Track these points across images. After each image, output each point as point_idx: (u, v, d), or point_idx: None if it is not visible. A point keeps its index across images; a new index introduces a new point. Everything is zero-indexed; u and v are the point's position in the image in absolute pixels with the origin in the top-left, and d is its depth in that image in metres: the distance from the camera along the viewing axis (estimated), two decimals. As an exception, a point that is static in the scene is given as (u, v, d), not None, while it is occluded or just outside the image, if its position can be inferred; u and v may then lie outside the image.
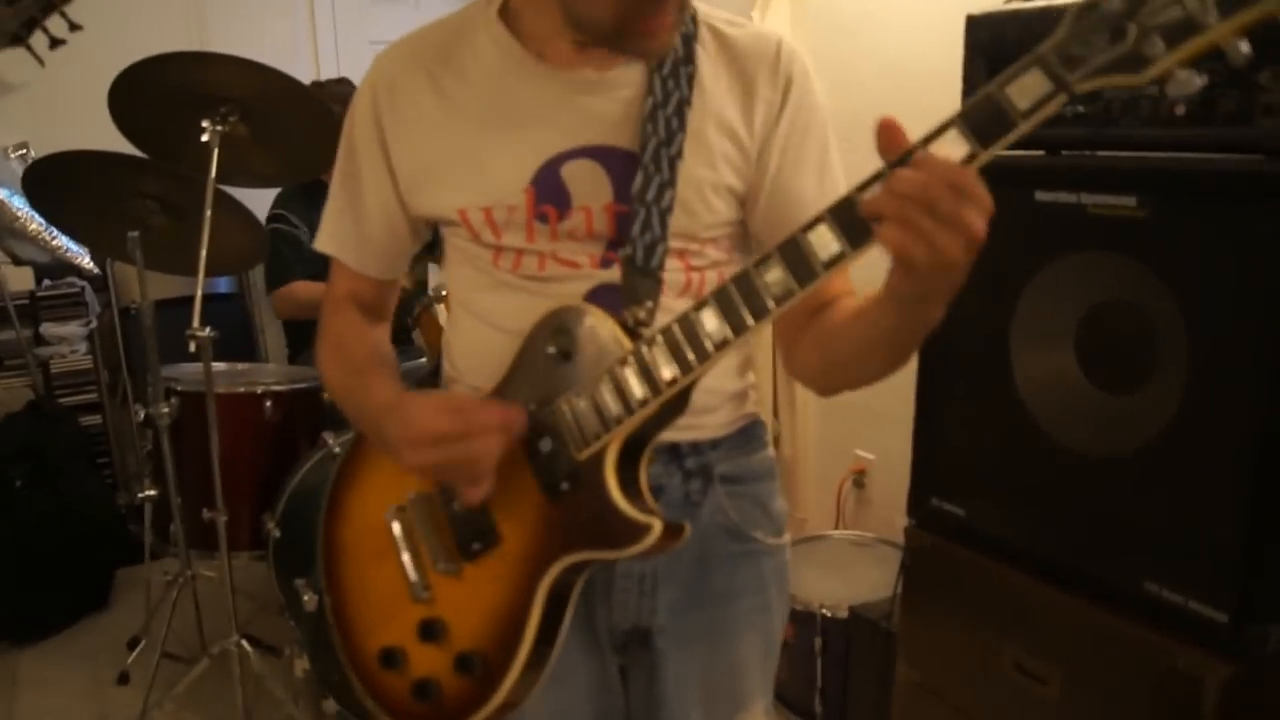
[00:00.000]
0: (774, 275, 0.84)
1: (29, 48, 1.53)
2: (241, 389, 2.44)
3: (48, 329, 3.26)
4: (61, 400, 3.28)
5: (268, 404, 2.45)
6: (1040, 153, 1.58)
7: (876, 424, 2.61)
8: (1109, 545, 1.48)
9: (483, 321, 1.12)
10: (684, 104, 1.02)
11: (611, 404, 0.94)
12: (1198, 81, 0.71)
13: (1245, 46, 0.69)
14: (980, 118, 0.76)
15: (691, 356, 0.89)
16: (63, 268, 3.33)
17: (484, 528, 1.04)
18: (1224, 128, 1.34)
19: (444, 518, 1.07)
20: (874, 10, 2.45)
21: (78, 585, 3.00)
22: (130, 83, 2.09)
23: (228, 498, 2.25)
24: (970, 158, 0.77)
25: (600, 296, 1.03)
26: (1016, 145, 1.59)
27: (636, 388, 0.92)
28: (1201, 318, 1.34)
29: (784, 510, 1.24)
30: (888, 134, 0.80)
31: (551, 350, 0.99)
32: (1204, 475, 1.35)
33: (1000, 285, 1.59)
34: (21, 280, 3.23)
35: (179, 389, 2.39)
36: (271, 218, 2.89)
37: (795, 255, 0.83)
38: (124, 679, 2.60)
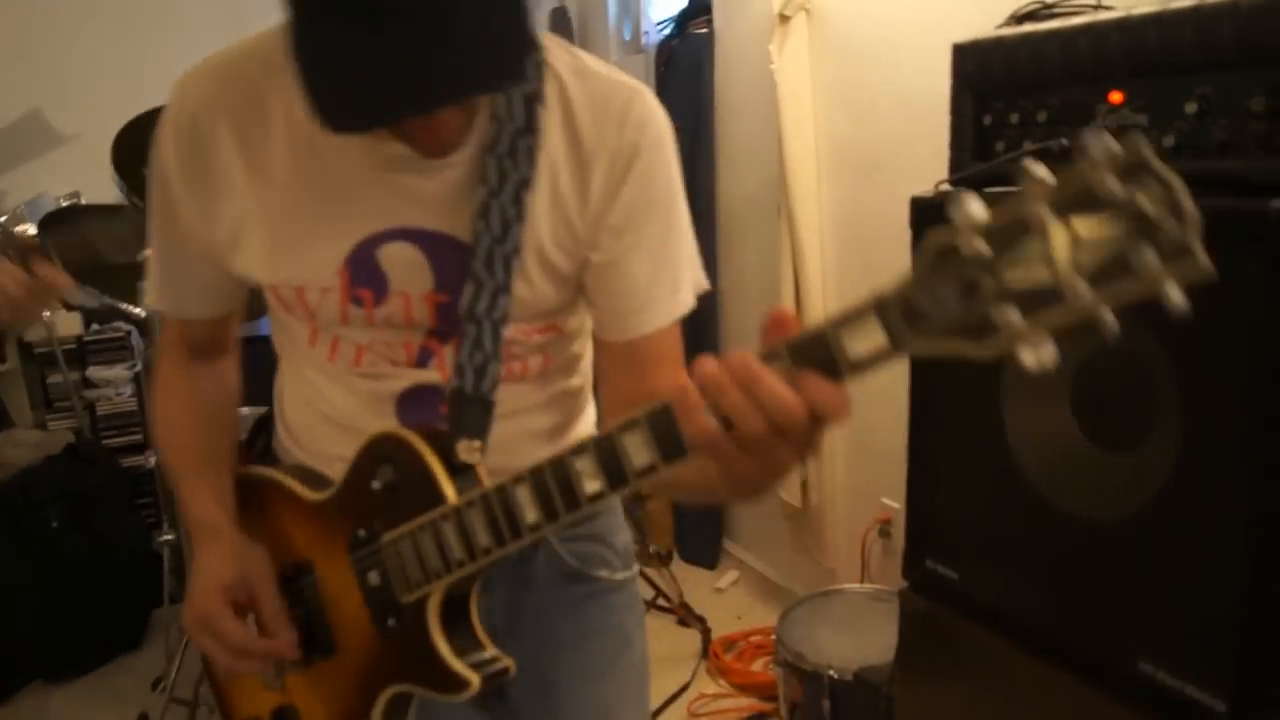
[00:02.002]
0: (589, 481, 0.78)
1: None
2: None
3: (94, 372, 3.36)
4: (107, 442, 3.37)
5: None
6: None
7: (904, 471, 2.50)
8: (1103, 618, 1.37)
9: (306, 402, 1.07)
10: (522, 187, 0.93)
11: (432, 557, 0.90)
12: (1049, 360, 0.58)
13: (1113, 322, 0.56)
14: (809, 356, 0.65)
15: (506, 533, 0.85)
16: (110, 312, 3.42)
17: (323, 640, 1.02)
18: (1215, 159, 1.22)
19: (294, 616, 1.04)
20: (890, 38, 2.36)
21: (111, 625, 3.05)
22: (133, 137, 2.13)
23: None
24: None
25: (418, 398, 1.00)
26: (1001, 180, 1.50)
27: (456, 548, 0.88)
28: (1193, 367, 1.23)
29: (629, 540, 1.20)
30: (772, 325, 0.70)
31: (377, 484, 0.95)
32: (1200, 544, 1.24)
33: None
34: (70, 325, 3.34)
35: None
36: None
37: (611, 464, 0.76)
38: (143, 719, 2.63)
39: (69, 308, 3.39)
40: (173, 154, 0.97)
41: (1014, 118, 1.48)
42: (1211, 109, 1.22)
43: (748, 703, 2.66)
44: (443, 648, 0.92)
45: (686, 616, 3.00)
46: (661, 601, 3.04)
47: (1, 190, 3.45)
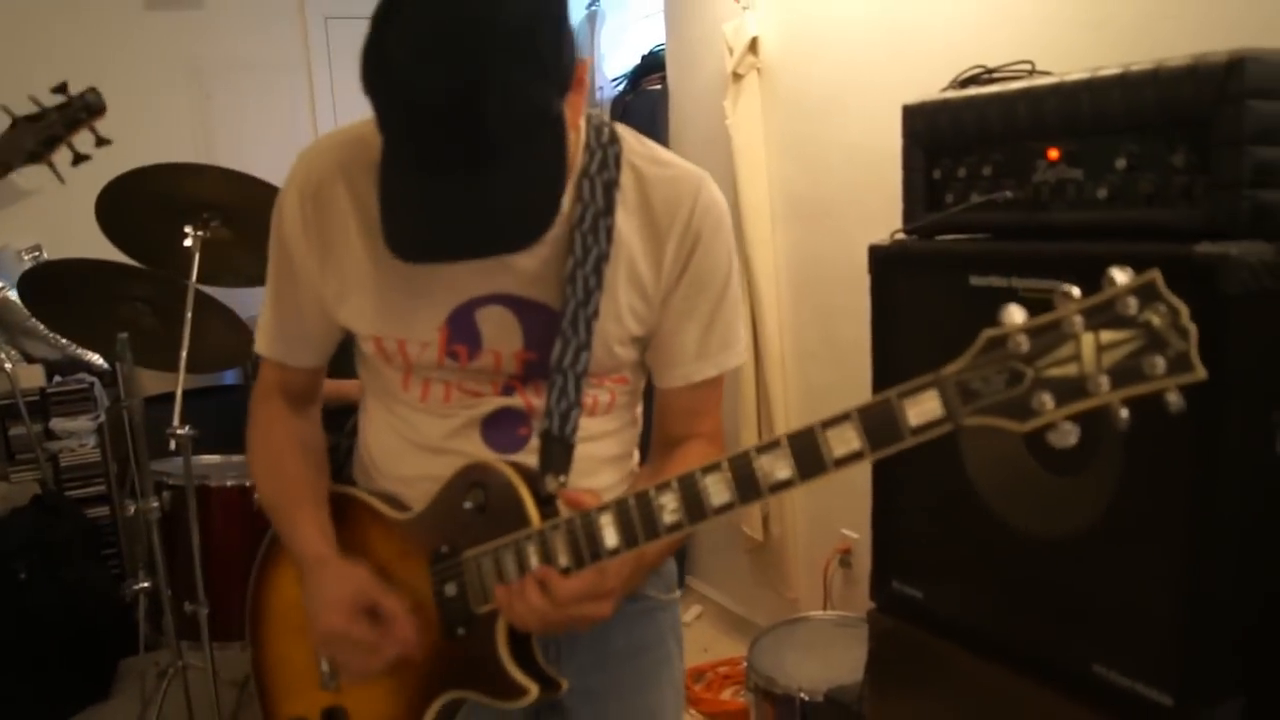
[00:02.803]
0: (670, 502, 0.90)
1: (50, 165, 1.59)
2: (230, 482, 2.49)
3: (58, 424, 3.36)
4: (70, 493, 3.36)
5: (257, 496, 2.49)
6: (978, 236, 1.61)
7: (861, 503, 2.62)
8: (1059, 628, 1.47)
9: (393, 430, 1.16)
10: (602, 260, 1.06)
11: (512, 572, 0.99)
12: (1073, 439, 0.74)
13: (1125, 414, 0.73)
14: (875, 421, 0.81)
15: (586, 555, 0.95)
16: (73, 364, 3.43)
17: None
18: (1143, 209, 1.36)
19: None
20: (838, 95, 2.52)
21: (80, 676, 3.03)
22: (115, 193, 2.19)
23: (219, 588, 2.29)
24: (855, 456, 0.82)
25: (500, 420, 1.10)
26: (952, 229, 1.64)
27: (536, 565, 0.98)
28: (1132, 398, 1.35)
29: (674, 568, 1.31)
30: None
31: (468, 505, 1.05)
32: (1143, 556, 1.35)
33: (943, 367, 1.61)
34: (32, 378, 3.35)
35: (170, 483, 2.44)
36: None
37: (691, 493, 0.89)
38: (117, 771, 2.62)
39: (31, 360, 3.40)
40: (297, 216, 1.10)
41: (961, 172, 1.61)
42: (1139, 164, 1.36)
43: (719, 731, 2.75)
44: (506, 657, 1.02)
45: (654, 650, 3.08)
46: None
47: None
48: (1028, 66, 1.70)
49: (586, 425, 1.13)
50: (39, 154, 1.55)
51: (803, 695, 2.17)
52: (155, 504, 2.38)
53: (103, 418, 3.42)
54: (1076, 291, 0.74)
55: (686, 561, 3.64)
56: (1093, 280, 1.32)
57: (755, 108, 2.75)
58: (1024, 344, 0.74)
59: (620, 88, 3.57)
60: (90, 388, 3.41)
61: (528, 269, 1.07)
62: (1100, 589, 1.41)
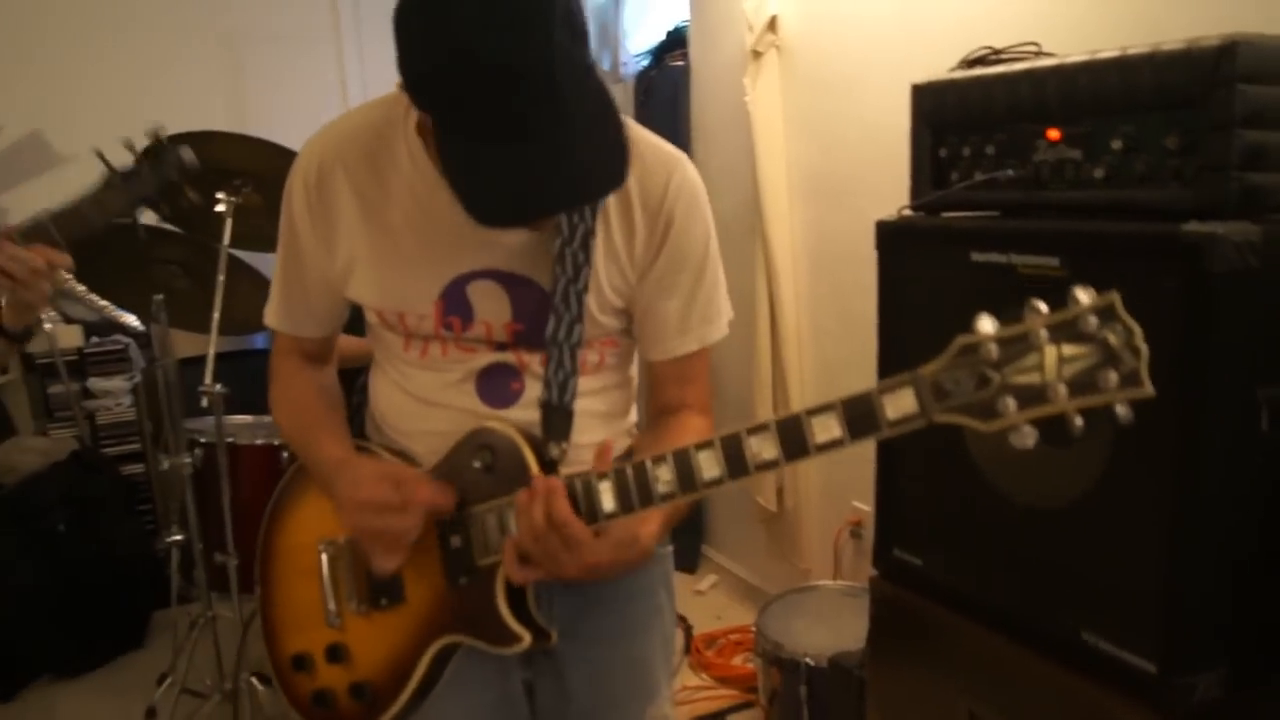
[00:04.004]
0: (664, 474, 0.97)
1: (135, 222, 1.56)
2: (259, 441, 2.58)
3: (95, 383, 3.47)
4: (106, 450, 3.48)
5: (284, 454, 2.58)
6: (980, 213, 1.65)
7: (873, 475, 2.67)
8: (1051, 596, 1.51)
9: (396, 385, 1.23)
10: (589, 236, 1.12)
11: (514, 527, 1.06)
12: (1031, 441, 0.82)
13: (1080, 422, 0.80)
14: (855, 412, 0.88)
15: (585, 517, 1.01)
16: (110, 326, 3.52)
17: (395, 588, 1.18)
18: (1137, 189, 1.40)
19: (365, 567, 1.19)
20: (856, 73, 2.54)
21: (115, 625, 3.16)
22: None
23: (248, 541, 2.37)
24: (836, 443, 0.89)
25: (493, 373, 1.17)
26: (958, 207, 1.67)
27: None
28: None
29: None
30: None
31: (476, 464, 1.12)
32: (1130, 527, 1.39)
33: (945, 342, 1.64)
34: (71, 338, 3.45)
35: (201, 440, 2.54)
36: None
37: (684, 467, 0.96)
38: (151, 714, 2.73)
39: (69, 320, 3.50)
40: (300, 199, 1.17)
41: (965, 151, 1.65)
42: (1135, 145, 1.39)
43: (729, 693, 2.82)
44: (503, 607, 1.10)
45: (668, 616, 3.15)
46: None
47: (2, 208, 3.55)
48: (1034, 48, 1.72)
49: (579, 381, 1.19)
50: (128, 213, 1.48)
51: (808, 660, 2.23)
52: (188, 460, 2.47)
53: (138, 378, 3.54)
54: (1044, 307, 0.82)
55: (704, 531, 3.71)
56: (1084, 261, 1.38)
57: (774, 85, 2.78)
58: (993, 352, 0.81)
59: (644, 64, 3.60)
60: (126, 349, 3.52)
61: (514, 245, 1.13)
62: (1090, 559, 1.45)
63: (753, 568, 3.39)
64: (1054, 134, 1.51)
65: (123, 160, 1.49)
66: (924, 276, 1.71)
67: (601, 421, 1.25)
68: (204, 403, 2.23)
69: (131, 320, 3.50)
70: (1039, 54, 1.71)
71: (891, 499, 1.84)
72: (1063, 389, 0.78)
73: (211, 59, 3.83)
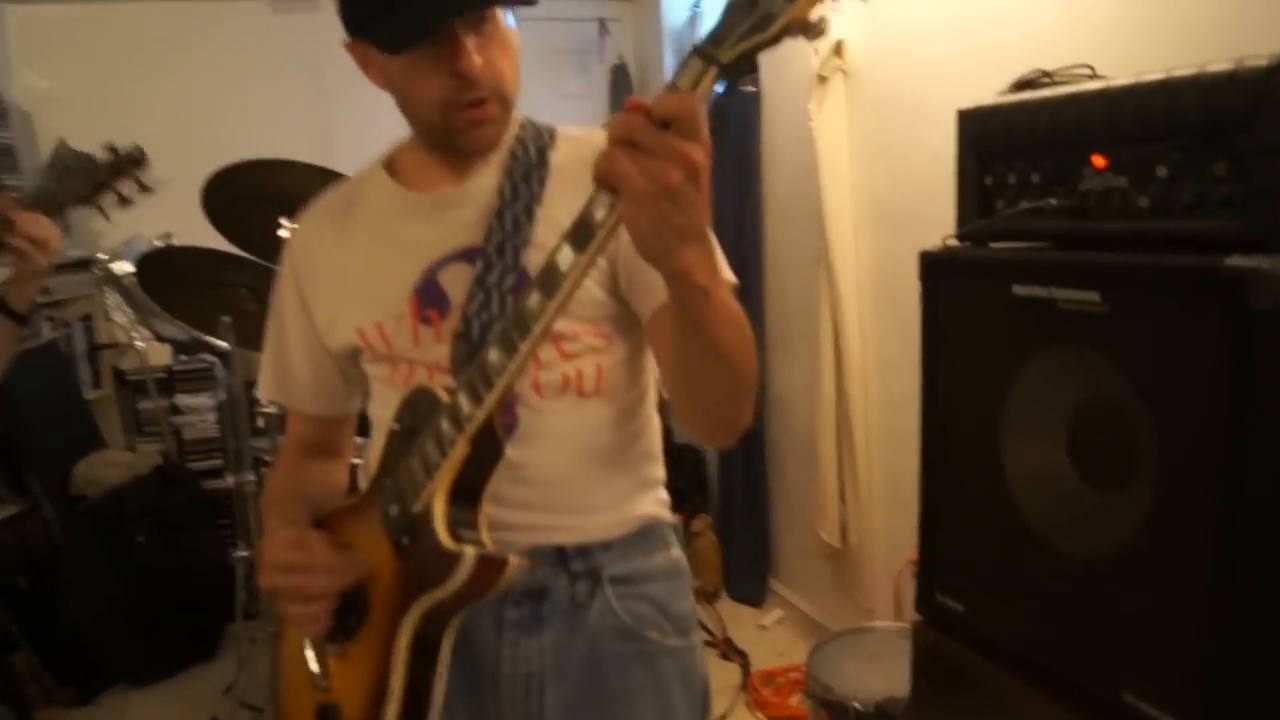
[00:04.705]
0: (533, 300, 0.91)
1: (99, 207, 1.76)
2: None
3: (182, 400, 3.62)
4: (191, 464, 3.61)
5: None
6: (1025, 244, 1.57)
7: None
8: (1092, 650, 1.43)
9: (384, 426, 1.19)
10: (533, 201, 1.12)
11: (432, 452, 1.01)
12: (825, 25, 0.79)
13: None
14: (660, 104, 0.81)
15: (482, 390, 0.96)
16: (198, 344, 3.67)
17: (358, 602, 1.11)
18: (1183, 219, 1.31)
19: (333, 603, 1.14)
20: (921, 98, 2.47)
21: (189, 636, 3.26)
22: (217, 187, 2.35)
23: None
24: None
25: None
26: (1003, 236, 1.60)
27: (449, 431, 0.99)
28: (1167, 415, 1.30)
29: (691, 611, 1.27)
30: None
31: (396, 427, 1.09)
32: (1174, 578, 1.30)
33: (989, 379, 1.58)
34: (161, 356, 3.61)
35: (266, 459, 2.61)
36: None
37: (546, 277, 0.89)
38: (212, 724, 2.82)
39: (160, 339, 3.66)
40: (287, 267, 1.24)
41: (1011, 178, 1.58)
42: (1181, 173, 1.31)
43: (782, 734, 2.75)
44: (441, 533, 0.99)
45: (727, 650, 3.09)
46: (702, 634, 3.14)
47: (100, 230, 3.74)
48: (1087, 70, 1.64)
49: (573, 407, 1.15)
50: (88, 197, 1.72)
51: (856, 705, 2.16)
52: (252, 478, 2.54)
53: (223, 395, 3.65)
54: None
55: (770, 565, 3.64)
56: (1125, 295, 1.30)
57: (840, 110, 2.73)
58: None
59: (718, 89, 3.58)
60: (212, 367, 3.65)
61: (470, 219, 1.14)
62: (1133, 612, 1.35)
63: (817, 604, 3.31)
64: (1100, 161, 1.43)
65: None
66: (967, 309, 1.64)
67: (598, 464, 1.17)
68: (260, 423, 2.29)
69: (216, 339, 3.67)
70: (1092, 76, 1.63)
71: (934, 541, 1.77)
72: None
73: (299, 86, 3.98)
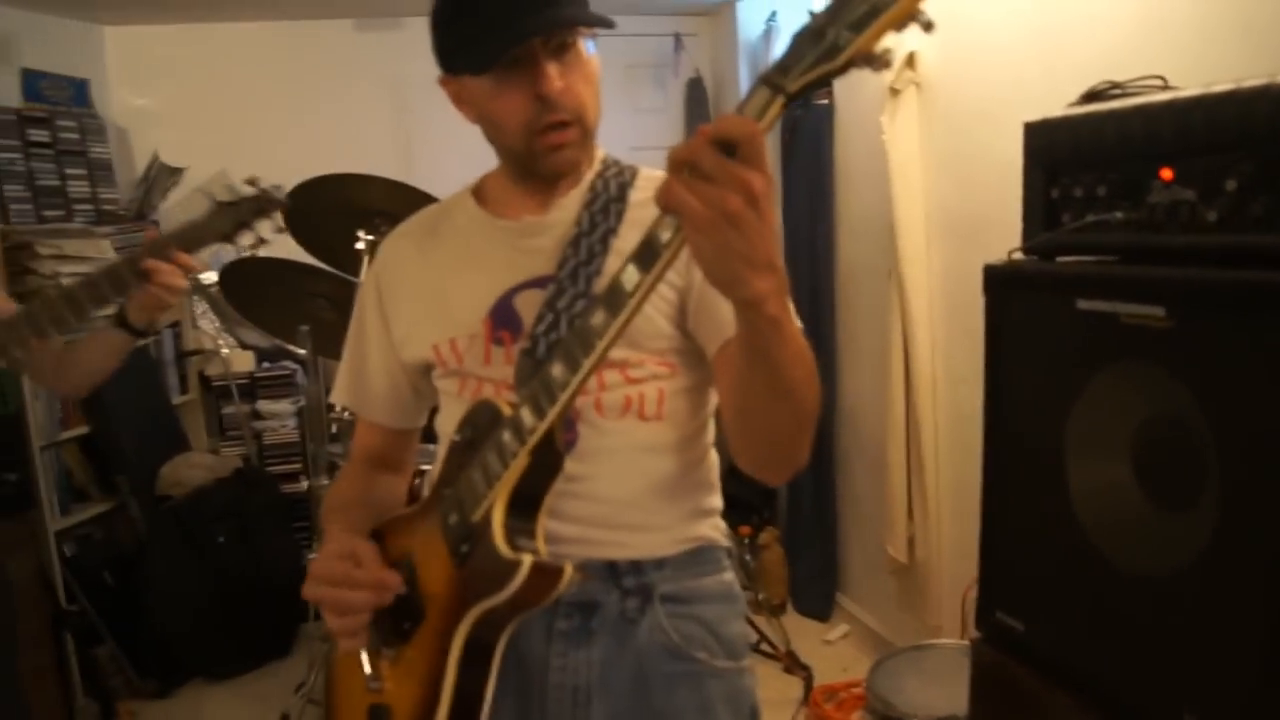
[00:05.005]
0: (597, 318, 0.92)
1: (234, 244, 1.85)
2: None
3: (263, 405, 3.74)
4: (271, 468, 3.72)
5: (416, 480, 2.68)
6: (1092, 258, 1.55)
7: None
8: (1154, 671, 1.39)
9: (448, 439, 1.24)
10: (610, 233, 1.14)
11: (494, 463, 1.03)
12: (890, 57, 0.78)
13: (928, 16, 0.76)
14: (722, 127, 0.82)
15: (545, 404, 0.98)
16: (280, 352, 3.80)
17: (413, 607, 1.14)
18: (1253, 233, 1.28)
19: (388, 605, 1.16)
20: (994, 110, 2.45)
21: (266, 633, 3.36)
22: (298, 200, 2.42)
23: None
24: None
25: None
26: (1069, 250, 1.58)
27: (510, 442, 1.02)
28: (1231, 434, 1.27)
29: (742, 634, 1.26)
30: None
31: (458, 439, 1.12)
32: (1238, 600, 1.26)
33: (1054, 394, 1.56)
34: (244, 362, 3.74)
35: (340, 463, 2.68)
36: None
37: (611, 295, 0.91)
38: (284, 719, 2.89)
39: (244, 347, 3.79)
40: (370, 284, 1.30)
41: (1078, 191, 1.55)
42: (1251, 185, 1.28)
43: (842, 750, 2.73)
44: (499, 541, 1.02)
45: (791, 664, 3.08)
46: (765, 647, 3.13)
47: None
48: (1159, 81, 1.61)
49: (633, 428, 1.17)
50: (230, 236, 1.80)
51: (917, 722, 2.13)
52: (327, 482, 2.62)
53: (303, 401, 3.77)
54: None
55: (838, 579, 3.61)
56: (1191, 310, 1.28)
57: (912, 123, 2.71)
58: (822, 18, 0.78)
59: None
60: (293, 374, 3.76)
61: (548, 248, 1.17)
62: (1196, 633, 1.32)
63: (883, 619, 3.27)
64: (1167, 173, 1.41)
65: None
66: (1031, 323, 1.62)
67: (656, 491, 1.19)
68: (334, 429, 2.36)
69: (298, 348, 3.78)
70: (1164, 87, 1.60)
71: (995, 558, 1.74)
72: None
73: (382, 103, 4.09)
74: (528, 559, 1.00)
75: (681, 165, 0.79)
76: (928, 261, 2.77)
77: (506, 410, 1.05)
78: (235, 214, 1.78)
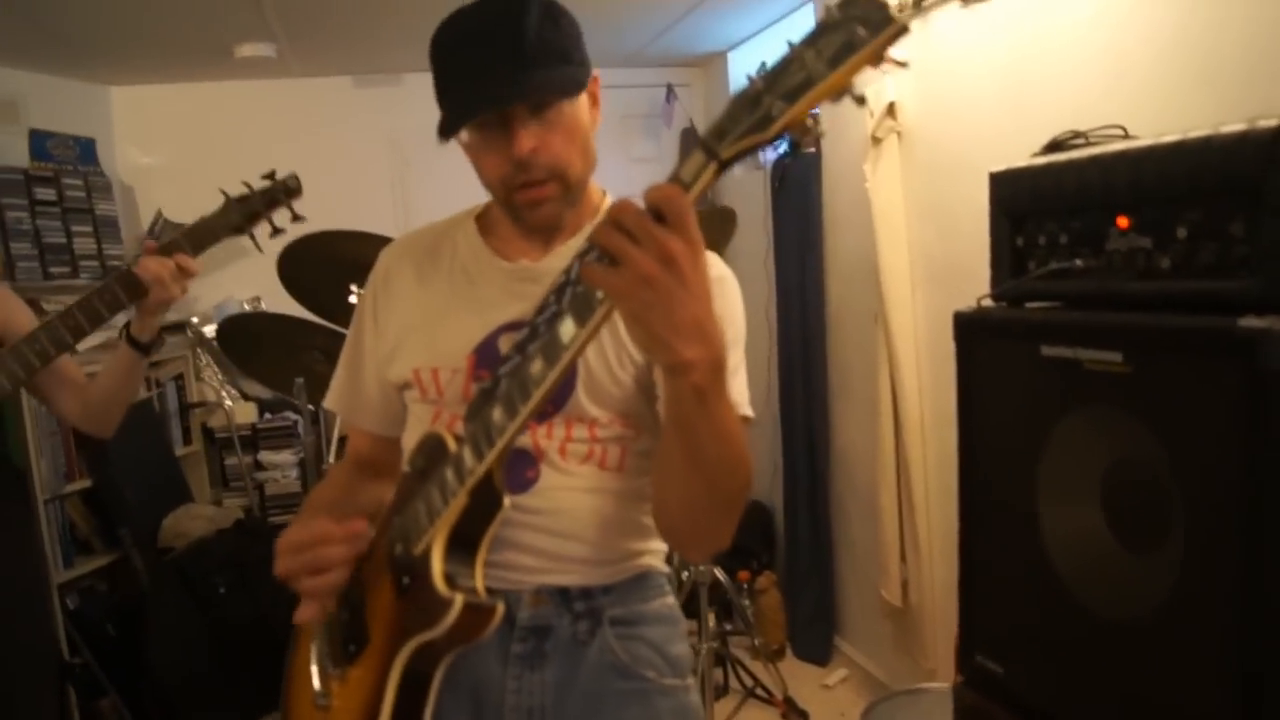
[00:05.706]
0: (536, 367, 0.95)
1: (251, 236, 1.91)
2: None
3: (265, 456, 3.77)
4: (273, 519, 3.75)
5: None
6: (1054, 305, 1.58)
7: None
8: (1125, 713, 1.41)
9: None
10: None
11: (436, 499, 1.07)
12: (819, 131, 0.81)
13: (857, 90, 0.79)
14: (650, 195, 0.85)
15: (484, 447, 1.01)
16: (281, 403, 3.85)
17: (358, 630, 1.18)
18: (1203, 279, 1.31)
19: (335, 625, 1.22)
20: (975, 158, 2.49)
21: (264, 683, 3.36)
22: (292, 255, 2.49)
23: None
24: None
25: (511, 461, 1.16)
26: (1035, 297, 1.61)
27: (452, 481, 1.05)
28: (1191, 474, 1.29)
29: (686, 654, 1.29)
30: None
31: (408, 469, 1.15)
32: (1201, 643, 1.28)
33: (1024, 439, 1.58)
34: (246, 414, 3.78)
35: (336, 513, 2.71)
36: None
37: (549, 347, 0.94)
38: (282, 772, 2.89)
39: (246, 398, 3.84)
40: (369, 293, 1.32)
41: (1041, 239, 1.59)
42: (1201, 233, 1.31)
43: (838, 797, 2.71)
44: (437, 579, 1.05)
45: (788, 711, 3.07)
46: (760, 691, 3.13)
47: (194, 295, 3.96)
48: (1119, 130, 1.66)
49: (592, 474, 1.20)
50: (242, 227, 1.87)
51: (907, 767, 2.13)
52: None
53: (304, 453, 3.80)
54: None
55: (836, 623, 3.60)
56: (1148, 356, 1.30)
57: (894, 170, 2.76)
58: (759, 82, 0.79)
59: (781, 150, 3.64)
60: (294, 425, 3.80)
61: (538, 294, 1.16)
62: (1167, 677, 1.34)
63: (882, 664, 3.26)
64: (1123, 222, 1.45)
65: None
66: (1000, 369, 1.65)
67: (609, 530, 1.22)
68: (327, 479, 2.39)
69: (296, 400, 3.82)
70: (1123, 137, 1.64)
71: (974, 602, 1.76)
72: (823, 67, 0.75)
73: (381, 158, 4.17)
74: (459, 598, 1.04)
75: (611, 223, 0.83)
76: (913, 306, 2.80)
77: (452, 446, 1.09)
78: (246, 206, 1.85)
